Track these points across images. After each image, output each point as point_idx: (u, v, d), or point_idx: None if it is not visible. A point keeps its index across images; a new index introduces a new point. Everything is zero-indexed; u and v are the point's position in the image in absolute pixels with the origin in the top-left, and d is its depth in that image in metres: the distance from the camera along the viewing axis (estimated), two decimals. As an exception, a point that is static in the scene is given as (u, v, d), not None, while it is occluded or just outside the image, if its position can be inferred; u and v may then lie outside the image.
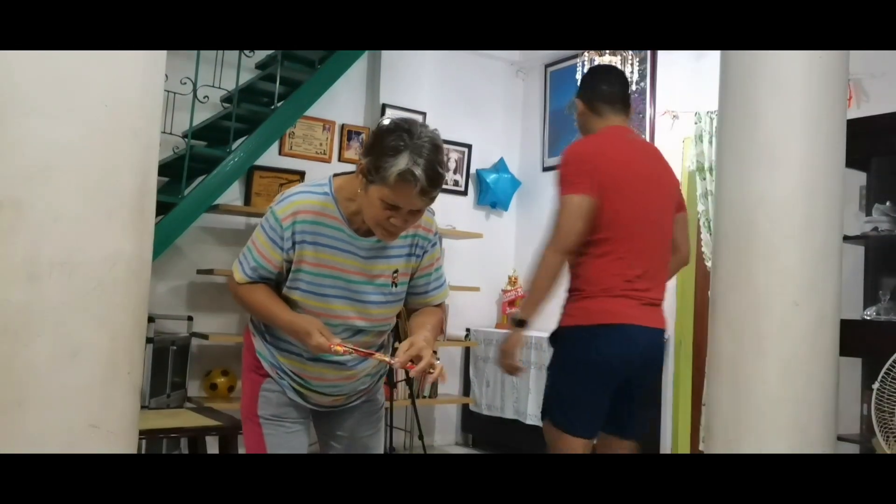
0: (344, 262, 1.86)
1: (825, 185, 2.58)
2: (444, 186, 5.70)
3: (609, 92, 2.59)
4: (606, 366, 2.40)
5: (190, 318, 4.50)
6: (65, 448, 1.43)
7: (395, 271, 1.92)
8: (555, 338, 2.51)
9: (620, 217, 2.42)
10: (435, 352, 1.82)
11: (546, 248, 2.42)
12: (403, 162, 1.67)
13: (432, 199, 1.76)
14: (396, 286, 1.94)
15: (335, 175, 1.91)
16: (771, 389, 2.53)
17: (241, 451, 3.03)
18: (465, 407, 5.53)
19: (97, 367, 1.50)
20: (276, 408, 1.97)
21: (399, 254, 1.93)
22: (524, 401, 4.84)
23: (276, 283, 1.91)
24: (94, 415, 1.49)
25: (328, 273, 1.86)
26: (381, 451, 2.19)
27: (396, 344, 1.99)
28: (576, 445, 2.41)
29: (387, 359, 1.88)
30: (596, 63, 4.43)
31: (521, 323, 2.47)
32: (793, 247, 2.54)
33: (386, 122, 1.76)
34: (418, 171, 1.67)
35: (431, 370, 1.74)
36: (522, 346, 2.58)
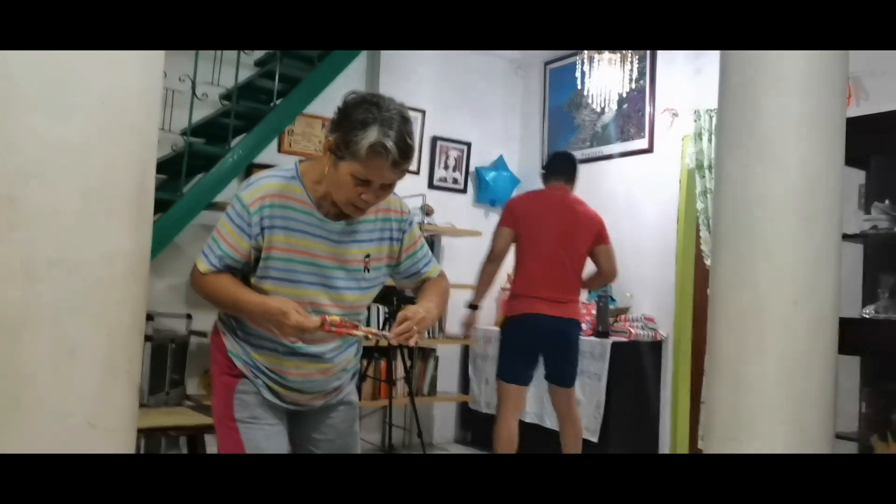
0: (315, 247, 1.82)
1: (825, 183, 2.58)
2: (443, 184, 5.65)
3: (559, 168, 3.96)
4: (518, 340, 3.78)
5: (189, 317, 4.49)
6: (63, 447, 1.43)
7: (367, 256, 1.89)
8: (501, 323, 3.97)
9: (528, 247, 3.81)
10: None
11: (485, 258, 3.90)
12: (374, 135, 1.64)
13: (403, 173, 1.73)
14: (369, 271, 1.90)
15: (300, 161, 1.88)
16: (770, 388, 2.53)
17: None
18: (463, 405, 5.52)
19: (95, 365, 1.50)
20: (253, 409, 1.89)
21: (370, 238, 1.90)
22: (523, 399, 4.83)
23: (242, 275, 1.85)
24: (93, 413, 1.48)
25: (300, 259, 1.81)
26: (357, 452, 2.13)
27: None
28: (510, 389, 3.77)
29: (379, 332, 1.79)
30: (594, 63, 4.46)
31: (471, 306, 3.97)
32: (792, 245, 2.54)
33: (352, 96, 1.73)
34: (389, 143, 1.65)
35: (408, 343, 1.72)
36: (474, 322, 4.05)
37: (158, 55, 1.66)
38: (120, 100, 1.51)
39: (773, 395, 2.53)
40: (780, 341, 2.53)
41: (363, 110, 1.67)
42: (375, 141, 1.64)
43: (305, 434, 2.04)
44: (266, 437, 1.89)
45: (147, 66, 1.61)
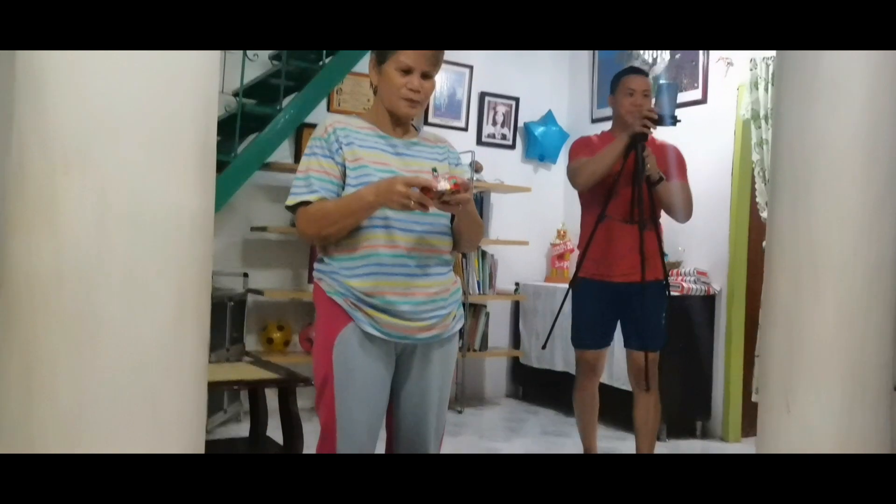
0: (385, 157, 2.07)
1: (889, 124, 2.50)
2: (492, 140, 5.63)
3: None
4: None
5: (245, 275, 4.60)
6: (139, 391, 1.49)
7: (434, 169, 2.07)
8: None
9: None
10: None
11: None
12: None
13: (438, 62, 2.02)
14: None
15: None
16: (827, 338, 2.50)
17: (301, 403, 3.14)
18: (514, 360, 5.58)
19: (166, 319, 1.54)
20: (352, 360, 2.00)
21: (432, 157, 2.15)
22: (573, 353, 4.84)
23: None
24: (166, 362, 1.54)
25: (375, 168, 2.03)
26: (446, 403, 2.21)
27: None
28: None
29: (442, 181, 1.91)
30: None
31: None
32: (853, 191, 2.48)
33: None
34: None
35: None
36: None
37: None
38: (180, 54, 1.54)
39: (830, 345, 2.50)
40: (837, 290, 2.49)
41: None
42: None
43: (402, 384, 2.11)
44: (359, 398, 2.00)
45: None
